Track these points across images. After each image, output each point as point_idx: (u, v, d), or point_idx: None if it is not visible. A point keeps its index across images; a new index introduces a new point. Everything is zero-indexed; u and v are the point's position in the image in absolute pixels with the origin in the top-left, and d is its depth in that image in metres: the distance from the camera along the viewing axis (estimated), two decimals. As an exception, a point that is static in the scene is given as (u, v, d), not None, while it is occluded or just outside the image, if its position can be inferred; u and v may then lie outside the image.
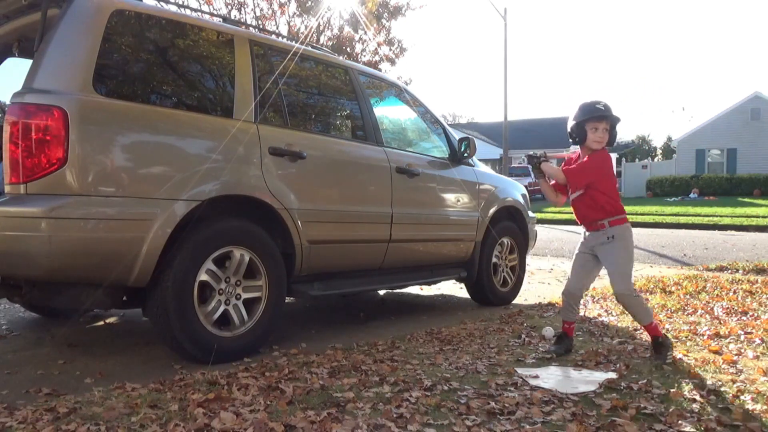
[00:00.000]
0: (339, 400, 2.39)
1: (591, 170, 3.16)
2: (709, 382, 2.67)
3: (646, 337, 3.60)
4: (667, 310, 4.39)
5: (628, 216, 3.27)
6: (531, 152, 3.35)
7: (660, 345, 3.08)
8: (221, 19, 3.76)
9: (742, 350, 3.25)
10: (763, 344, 3.37)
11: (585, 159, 3.19)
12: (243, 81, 3.30)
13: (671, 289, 5.32)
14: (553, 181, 3.34)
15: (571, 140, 3.26)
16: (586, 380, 2.75)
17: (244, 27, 3.92)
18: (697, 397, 2.48)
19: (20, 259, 2.55)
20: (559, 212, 18.99)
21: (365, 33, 13.58)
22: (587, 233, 3.29)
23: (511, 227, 5.08)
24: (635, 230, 3.18)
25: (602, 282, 5.84)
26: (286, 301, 3.60)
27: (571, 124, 3.20)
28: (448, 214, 4.50)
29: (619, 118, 3.17)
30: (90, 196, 2.59)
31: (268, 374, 2.74)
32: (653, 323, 3.14)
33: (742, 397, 2.48)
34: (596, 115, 3.12)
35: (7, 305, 4.52)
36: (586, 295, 5.13)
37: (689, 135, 32.38)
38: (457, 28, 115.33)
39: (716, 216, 16.08)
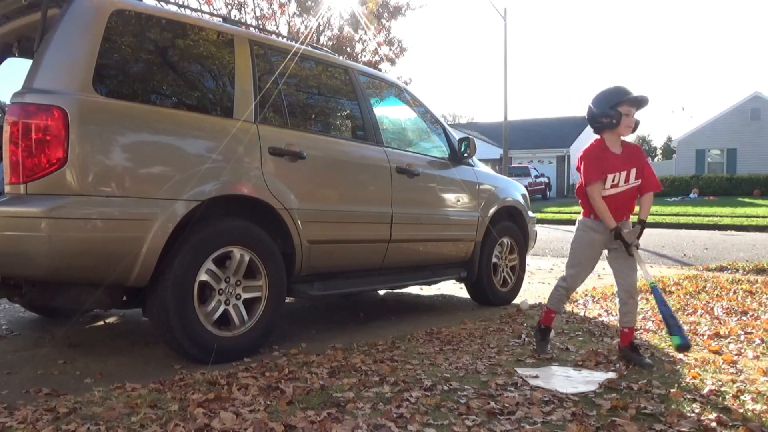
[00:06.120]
0: (339, 400, 2.39)
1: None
2: (709, 382, 2.67)
3: (646, 337, 3.61)
4: (667, 310, 4.39)
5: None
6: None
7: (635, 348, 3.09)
8: (221, 19, 3.76)
9: (742, 350, 3.25)
10: (763, 344, 3.37)
11: (642, 156, 3.08)
12: (243, 81, 3.30)
13: (671, 289, 5.32)
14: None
15: (599, 126, 3.02)
16: (586, 380, 2.75)
17: (244, 27, 3.92)
18: (697, 397, 2.48)
19: (20, 259, 2.55)
20: (559, 212, 19.01)
21: (365, 33, 13.56)
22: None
23: (511, 227, 5.08)
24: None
25: (602, 282, 5.85)
26: (286, 301, 3.60)
27: (602, 107, 2.96)
28: (448, 214, 4.50)
29: (647, 100, 2.95)
30: (90, 196, 2.59)
31: (268, 374, 2.74)
32: (632, 330, 3.11)
33: (742, 397, 2.48)
34: (631, 98, 2.93)
35: (7, 305, 4.52)
36: (586, 294, 5.14)
37: (689, 135, 32.39)
38: (457, 28, 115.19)
39: (716, 216, 16.08)
